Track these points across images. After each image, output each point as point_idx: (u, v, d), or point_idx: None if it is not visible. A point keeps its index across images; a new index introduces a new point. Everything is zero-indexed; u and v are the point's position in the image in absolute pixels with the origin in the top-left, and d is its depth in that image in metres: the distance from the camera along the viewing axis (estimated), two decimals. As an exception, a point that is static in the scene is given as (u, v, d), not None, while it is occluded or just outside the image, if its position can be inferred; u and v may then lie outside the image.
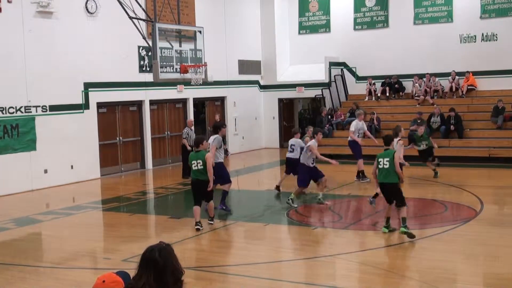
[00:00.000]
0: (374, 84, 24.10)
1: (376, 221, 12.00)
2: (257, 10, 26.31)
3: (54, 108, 17.20)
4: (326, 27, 25.78)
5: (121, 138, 19.76)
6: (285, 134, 26.92)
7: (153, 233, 12.17)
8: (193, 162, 11.00)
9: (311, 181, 13.33)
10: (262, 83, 26.58)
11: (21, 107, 16.34)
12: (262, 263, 9.32)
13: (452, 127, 20.34)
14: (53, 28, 17.04)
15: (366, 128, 17.06)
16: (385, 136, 10.74)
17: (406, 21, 24.03)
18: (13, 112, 16.14)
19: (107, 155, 19.25)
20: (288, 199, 13.08)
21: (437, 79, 22.92)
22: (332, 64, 24.63)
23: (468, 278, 8.30)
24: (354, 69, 25.13)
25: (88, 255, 10.16)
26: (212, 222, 11.52)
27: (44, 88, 16.77)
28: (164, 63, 13.98)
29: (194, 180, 11.16)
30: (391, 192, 10.15)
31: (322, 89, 24.30)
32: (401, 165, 10.96)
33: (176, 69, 14.26)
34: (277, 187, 14.98)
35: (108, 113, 19.36)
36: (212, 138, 12.77)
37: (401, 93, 23.78)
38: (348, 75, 25.20)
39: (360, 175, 16.17)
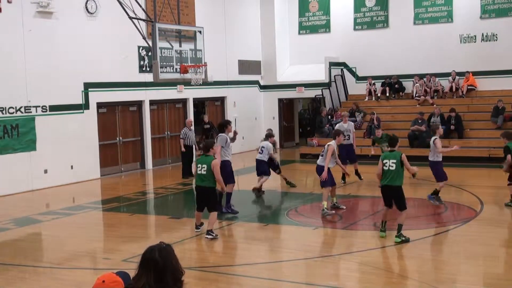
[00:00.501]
0: (374, 84, 24.09)
1: (376, 221, 12.01)
2: (257, 10, 26.31)
3: (54, 108, 17.19)
4: (326, 27, 25.79)
5: (121, 138, 19.76)
6: (285, 134, 26.96)
7: (153, 233, 12.17)
8: (198, 165, 10.50)
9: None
10: (262, 83, 26.58)
11: (21, 107, 16.34)
12: (262, 263, 9.32)
13: (452, 127, 20.34)
14: (53, 28, 17.04)
15: (353, 129, 16.75)
16: (391, 138, 10.38)
17: (406, 21, 24.03)
18: (13, 112, 16.14)
19: (107, 155, 19.25)
20: (323, 210, 11.95)
21: (437, 79, 22.92)
22: (332, 64, 24.63)
23: (468, 278, 8.30)
24: (354, 69, 25.13)
25: (88, 255, 10.16)
26: (208, 237, 10.39)
27: (44, 88, 16.77)
28: (164, 63, 13.98)
29: (196, 186, 10.73)
30: (395, 195, 9.83)
31: (322, 89, 24.29)
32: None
33: (176, 69, 14.26)
34: (255, 189, 14.67)
35: (108, 113, 19.36)
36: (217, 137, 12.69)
37: (401, 93, 23.78)
38: (348, 75, 25.20)
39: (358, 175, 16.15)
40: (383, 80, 23.92)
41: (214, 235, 10.44)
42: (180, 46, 14.63)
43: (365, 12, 24.85)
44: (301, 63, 26.34)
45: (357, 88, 24.93)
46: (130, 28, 14.62)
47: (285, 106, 27.06)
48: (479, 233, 10.61)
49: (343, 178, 15.85)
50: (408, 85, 23.64)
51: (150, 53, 17.96)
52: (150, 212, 14.39)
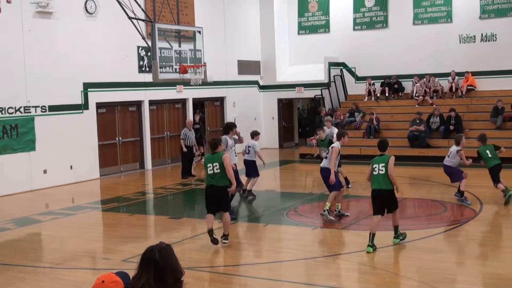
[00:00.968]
0: (373, 84, 24.10)
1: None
2: (256, 10, 26.31)
3: (54, 109, 17.19)
4: (325, 27, 25.79)
5: (120, 138, 19.75)
6: (285, 134, 26.95)
7: (153, 233, 12.16)
8: (208, 165, 9.86)
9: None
10: (261, 83, 26.58)
11: (21, 107, 16.33)
12: (262, 263, 9.32)
13: (451, 127, 20.34)
14: (52, 28, 17.03)
15: (334, 135, 15.51)
16: (381, 141, 10.01)
17: (406, 22, 24.04)
18: (12, 112, 16.13)
19: (107, 155, 19.24)
20: (324, 211, 11.59)
21: (436, 79, 22.92)
22: (332, 64, 24.63)
23: (468, 278, 8.30)
24: (353, 69, 25.13)
25: (88, 255, 10.15)
26: (226, 242, 10.09)
27: (43, 88, 16.76)
28: (164, 64, 13.97)
29: (208, 186, 9.98)
30: (386, 199, 9.52)
31: (321, 89, 24.29)
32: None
33: (176, 69, 14.25)
34: (245, 191, 14.50)
35: (108, 113, 19.35)
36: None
37: (400, 93, 23.79)
38: (347, 75, 25.20)
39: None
40: (383, 80, 23.93)
41: (228, 241, 10.11)
42: (180, 46, 14.62)
43: (365, 12, 24.86)
44: (300, 63, 26.34)
45: (356, 88, 24.93)
46: (129, 28, 14.61)
47: (285, 106, 27.06)
48: (478, 233, 10.61)
49: (347, 182, 15.44)
50: (407, 85, 23.65)
51: (149, 53, 17.94)
52: (150, 212, 14.38)
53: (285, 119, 27.00)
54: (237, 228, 11.77)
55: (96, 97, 18.46)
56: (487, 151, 13.49)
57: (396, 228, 9.73)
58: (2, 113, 15.87)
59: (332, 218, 11.59)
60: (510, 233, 10.66)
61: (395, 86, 23.68)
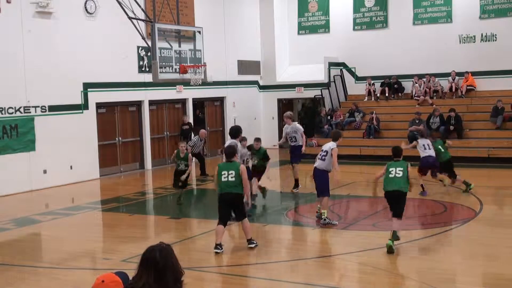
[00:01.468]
0: (373, 84, 24.09)
1: (376, 221, 12.00)
2: (256, 10, 26.31)
3: (53, 109, 17.18)
4: (325, 27, 25.78)
5: (120, 138, 19.75)
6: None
7: (153, 233, 12.16)
8: (223, 172, 9.69)
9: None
10: (261, 83, 26.58)
11: (20, 107, 16.33)
12: (262, 263, 9.31)
13: (451, 127, 20.34)
14: (52, 29, 17.03)
15: (301, 132, 14.98)
16: (395, 148, 10.21)
17: (406, 22, 24.03)
18: (12, 113, 16.13)
19: (107, 155, 19.24)
20: (324, 219, 11.27)
21: (436, 79, 22.92)
22: (332, 64, 24.63)
23: (468, 279, 8.30)
24: (353, 70, 25.13)
25: (88, 255, 10.15)
26: (252, 245, 9.83)
27: (43, 88, 16.75)
28: (164, 64, 13.97)
29: (224, 193, 9.72)
30: (399, 200, 9.71)
31: (321, 90, 24.29)
32: None
33: (176, 69, 14.25)
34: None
35: (107, 113, 19.35)
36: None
37: (400, 93, 23.78)
38: (347, 76, 25.19)
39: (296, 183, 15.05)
40: (383, 80, 23.92)
41: (255, 242, 9.92)
42: (180, 46, 14.62)
43: (365, 13, 24.85)
44: (300, 63, 26.33)
45: (356, 88, 24.93)
46: (129, 28, 14.61)
47: (285, 107, 27.05)
48: (478, 233, 10.61)
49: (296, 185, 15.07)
50: (407, 85, 23.65)
51: (149, 53, 17.93)
52: (150, 213, 14.38)
53: (285, 119, 26.96)
54: (237, 228, 11.76)
55: (96, 97, 18.46)
56: (440, 146, 14.44)
57: (394, 234, 9.51)
58: (2, 113, 15.87)
59: (336, 222, 11.35)
60: (510, 233, 10.65)
61: (395, 86, 23.68)
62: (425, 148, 14.28)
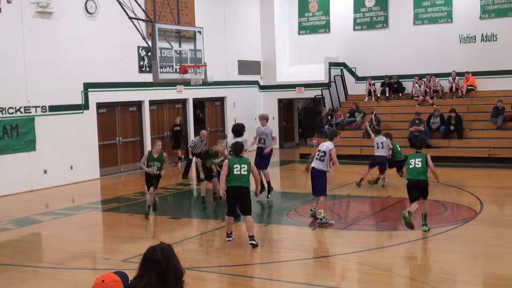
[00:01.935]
0: (373, 84, 24.09)
1: (376, 221, 12.02)
2: (256, 10, 26.31)
3: (54, 109, 17.19)
4: (325, 27, 25.79)
5: (120, 138, 19.76)
6: (285, 134, 26.95)
7: (153, 233, 12.15)
8: (235, 166, 9.96)
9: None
10: (261, 83, 26.58)
11: (21, 107, 16.34)
12: (262, 263, 9.32)
13: (452, 128, 20.34)
14: (52, 29, 17.04)
15: (271, 134, 14.64)
16: (419, 140, 11.88)
17: (406, 22, 24.04)
18: (12, 113, 16.13)
19: (107, 155, 19.24)
20: (321, 219, 11.32)
21: (437, 79, 22.92)
22: (332, 64, 24.63)
23: (468, 279, 8.30)
24: (353, 70, 25.13)
25: (88, 255, 10.15)
26: (253, 242, 9.97)
27: (43, 88, 16.76)
28: (164, 64, 13.97)
29: (234, 187, 9.96)
30: (422, 188, 10.68)
31: (321, 90, 24.30)
32: None
33: (176, 69, 14.25)
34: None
35: (108, 113, 19.36)
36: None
37: (400, 93, 23.78)
38: (347, 76, 25.20)
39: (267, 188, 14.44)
40: (383, 81, 23.92)
41: (257, 242, 10.04)
42: (180, 46, 14.61)
43: (365, 13, 24.86)
44: (300, 64, 26.34)
45: (356, 88, 24.93)
46: (129, 28, 14.61)
47: (285, 107, 27.06)
48: (478, 233, 10.61)
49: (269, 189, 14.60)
50: (408, 85, 23.65)
51: (149, 53, 17.94)
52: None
53: (285, 119, 27.00)
54: (237, 228, 11.76)
55: (96, 97, 18.46)
56: (398, 146, 15.56)
57: (425, 216, 10.57)
58: (2, 113, 15.88)
59: (333, 221, 11.38)
60: (510, 233, 10.65)
61: (395, 86, 23.67)
62: (378, 147, 15.05)
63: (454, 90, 22.52)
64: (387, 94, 23.79)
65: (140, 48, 19.78)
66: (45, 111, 16.95)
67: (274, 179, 16.69)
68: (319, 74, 24.62)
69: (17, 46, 16.15)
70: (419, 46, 23.50)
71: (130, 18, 14.11)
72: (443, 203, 13.16)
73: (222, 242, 10.62)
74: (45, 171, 16.93)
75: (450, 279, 8.30)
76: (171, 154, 20.52)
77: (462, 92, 22.36)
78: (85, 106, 18.19)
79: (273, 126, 26.04)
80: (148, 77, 19.21)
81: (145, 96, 20.39)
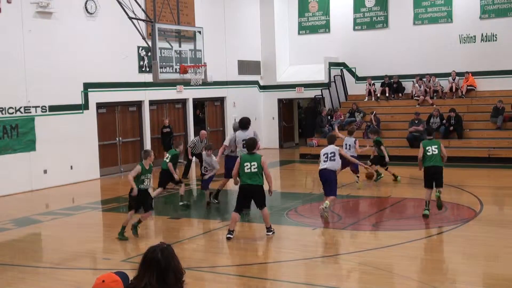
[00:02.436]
0: (373, 84, 24.09)
1: (376, 221, 12.02)
2: (256, 10, 26.31)
3: (54, 109, 17.19)
4: (325, 27, 25.79)
5: (120, 138, 19.76)
6: (285, 134, 26.95)
7: (153, 233, 12.14)
8: (246, 164, 10.17)
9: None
10: (261, 83, 26.58)
11: (21, 107, 16.34)
12: (262, 263, 9.32)
13: (451, 128, 20.33)
14: (52, 29, 17.04)
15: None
16: (428, 128, 13.25)
17: (406, 22, 24.04)
18: (12, 113, 16.14)
19: (107, 155, 19.24)
20: (324, 208, 11.52)
21: (436, 79, 22.92)
22: (332, 64, 24.63)
23: (468, 279, 8.29)
24: (353, 70, 25.14)
25: (88, 255, 10.15)
26: (270, 234, 10.50)
27: (43, 88, 16.76)
28: (164, 64, 13.96)
29: (245, 184, 10.23)
30: (439, 173, 11.49)
31: (321, 90, 24.30)
32: None
33: (176, 69, 14.25)
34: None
35: (108, 113, 19.36)
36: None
37: (400, 93, 23.77)
38: (347, 76, 25.20)
39: (213, 196, 13.84)
40: (383, 81, 23.93)
41: (273, 230, 10.59)
42: (180, 46, 14.61)
43: (365, 13, 24.86)
44: (300, 64, 26.34)
45: (356, 89, 24.93)
46: (129, 28, 14.61)
47: (285, 107, 27.06)
48: (478, 233, 10.61)
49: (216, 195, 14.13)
50: (407, 85, 23.65)
51: (149, 53, 17.95)
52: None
53: (285, 119, 27.00)
54: (237, 228, 11.76)
55: (96, 97, 18.46)
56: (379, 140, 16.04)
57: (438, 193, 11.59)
58: (2, 113, 15.88)
59: (327, 214, 11.56)
60: (510, 233, 10.65)
61: (394, 86, 23.67)
62: (346, 147, 15.11)
63: (454, 90, 22.52)
64: (387, 94, 23.79)
65: (140, 48, 19.78)
66: (45, 111, 16.95)
67: (274, 179, 16.65)
68: (319, 74, 24.63)
69: (17, 46, 16.15)
70: (419, 46, 23.51)
71: (130, 18, 14.11)
72: (443, 203, 13.14)
73: (222, 242, 10.63)
74: (45, 171, 16.93)
75: (450, 279, 8.30)
76: (158, 157, 20.52)
77: (462, 92, 22.36)
78: (85, 106, 18.19)
79: (273, 126, 26.18)
80: (148, 77, 19.21)
81: (145, 96, 20.39)
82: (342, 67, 25.11)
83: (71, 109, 17.73)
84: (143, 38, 14.34)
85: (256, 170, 10.17)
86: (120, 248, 10.36)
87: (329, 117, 23.36)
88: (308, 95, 25.42)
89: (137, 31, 14.11)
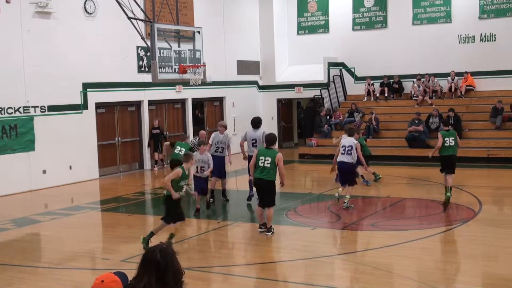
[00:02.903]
0: (372, 84, 24.09)
1: (376, 221, 12.01)
2: (255, 10, 26.31)
3: (53, 109, 17.17)
4: (324, 27, 25.79)
5: (119, 138, 19.74)
6: (284, 134, 26.94)
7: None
8: (260, 158, 10.33)
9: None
10: (260, 83, 26.57)
11: (20, 107, 16.32)
12: (261, 263, 9.31)
13: (450, 128, 20.29)
14: (51, 29, 17.02)
15: (228, 143, 13.96)
16: (444, 120, 15.67)
17: (405, 22, 24.04)
18: (11, 113, 16.12)
19: (106, 155, 19.23)
20: (347, 202, 12.56)
21: (436, 79, 22.93)
22: (331, 64, 24.63)
23: (467, 278, 8.30)
24: (352, 70, 25.14)
25: (87, 255, 10.14)
26: (269, 234, 10.58)
27: (42, 88, 16.74)
28: (163, 64, 13.95)
29: (257, 179, 10.47)
30: (454, 161, 12.72)
31: (321, 90, 24.30)
32: None
33: (175, 69, 14.23)
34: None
35: (107, 113, 19.34)
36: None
37: (399, 93, 23.77)
38: (346, 76, 25.19)
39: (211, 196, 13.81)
40: (382, 81, 23.93)
41: (273, 230, 10.74)
42: (179, 46, 14.60)
43: (364, 13, 24.86)
44: (299, 64, 26.33)
45: (356, 89, 24.94)
46: (128, 28, 14.60)
47: (284, 107, 27.06)
48: (478, 233, 10.61)
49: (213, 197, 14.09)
50: (407, 85, 23.66)
51: (148, 54, 17.91)
52: (149, 213, 14.36)
53: (284, 119, 26.99)
54: (237, 228, 11.76)
55: (95, 97, 18.45)
56: (364, 142, 15.99)
57: (450, 188, 12.56)
58: (1, 113, 15.86)
59: (352, 205, 12.69)
60: (510, 233, 10.65)
61: (395, 86, 23.67)
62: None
63: (453, 90, 22.53)
64: (386, 94, 23.79)
65: (139, 48, 19.77)
66: (44, 111, 16.93)
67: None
68: (318, 74, 24.62)
69: (16, 46, 16.13)
70: (418, 46, 23.51)
71: (129, 18, 14.09)
72: (442, 203, 13.15)
73: (221, 242, 10.62)
74: (44, 171, 16.91)
75: (450, 279, 8.30)
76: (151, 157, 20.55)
77: (461, 92, 22.37)
78: (84, 106, 18.18)
79: (272, 126, 26.15)
80: (147, 77, 19.20)
81: (144, 96, 20.38)
82: (341, 67, 25.11)
83: (70, 109, 17.72)
84: (142, 38, 14.33)
85: (268, 165, 10.30)
86: (119, 248, 10.35)
87: (328, 117, 23.36)
88: (307, 95, 25.42)
89: (136, 31, 14.10)
